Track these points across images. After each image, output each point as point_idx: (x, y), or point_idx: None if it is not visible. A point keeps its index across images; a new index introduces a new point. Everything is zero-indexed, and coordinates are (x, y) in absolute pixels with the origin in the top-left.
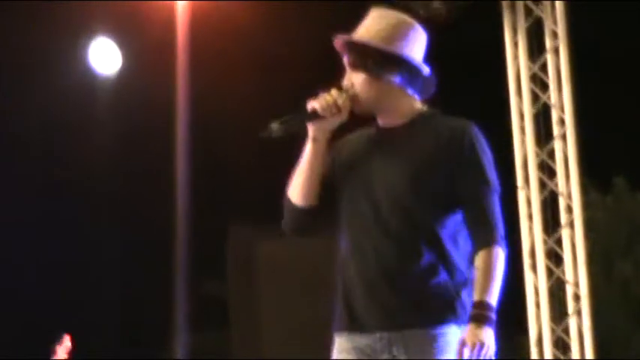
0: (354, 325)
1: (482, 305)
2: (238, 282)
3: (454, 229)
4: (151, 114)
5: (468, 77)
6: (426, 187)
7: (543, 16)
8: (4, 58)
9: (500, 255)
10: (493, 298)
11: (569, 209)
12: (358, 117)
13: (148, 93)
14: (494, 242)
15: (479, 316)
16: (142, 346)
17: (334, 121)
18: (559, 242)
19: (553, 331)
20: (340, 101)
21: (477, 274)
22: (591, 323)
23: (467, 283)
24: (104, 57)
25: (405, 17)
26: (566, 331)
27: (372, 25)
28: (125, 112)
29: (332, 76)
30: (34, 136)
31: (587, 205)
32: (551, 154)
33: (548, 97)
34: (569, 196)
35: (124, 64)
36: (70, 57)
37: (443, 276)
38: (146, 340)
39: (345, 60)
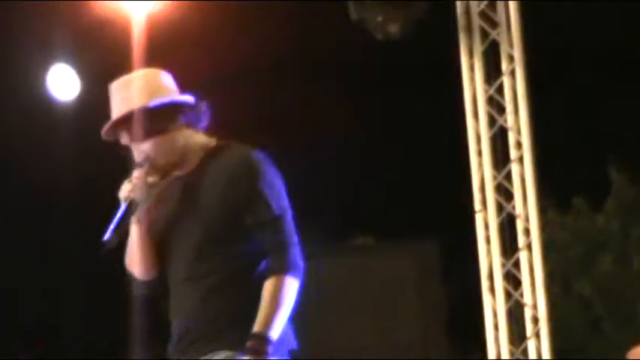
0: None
1: (259, 337)
2: None
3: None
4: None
5: (422, 99)
6: (221, 234)
7: (499, 39)
8: None
9: (289, 284)
10: (274, 331)
11: (527, 232)
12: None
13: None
14: (283, 271)
15: (254, 349)
16: None
17: (151, 198)
18: (517, 265)
19: (512, 353)
20: (149, 179)
21: (261, 302)
22: (550, 345)
23: None
24: (63, 83)
25: (141, 71)
26: (525, 353)
27: (122, 97)
28: (85, 137)
29: (297, 83)
30: None
31: (545, 226)
32: (509, 177)
33: (505, 120)
34: (527, 219)
35: (82, 89)
36: (27, 84)
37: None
38: None
39: (124, 140)
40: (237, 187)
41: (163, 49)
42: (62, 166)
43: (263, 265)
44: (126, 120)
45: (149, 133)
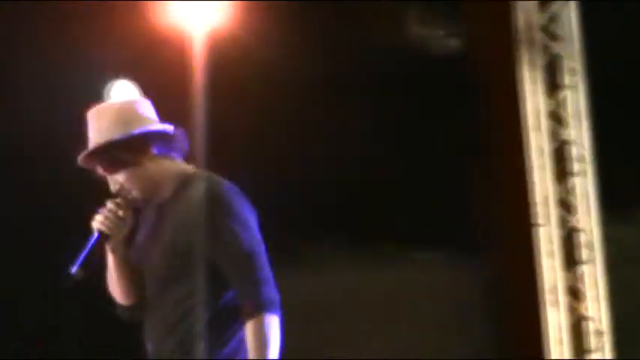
0: None
1: None
2: None
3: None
4: None
5: (484, 114)
6: (184, 270)
7: (562, 53)
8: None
9: (269, 322)
10: None
11: (590, 245)
12: None
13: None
14: (261, 310)
15: None
16: None
17: (123, 230)
18: (580, 278)
19: None
20: (121, 212)
21: (249, 349)
22: (613, 358)
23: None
24: (123, 98)
25: (118, 100)
26: None
27: (100, 126)
28: None
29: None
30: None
31: (608, 239)
32: (570, 190)
33: (567, 134)
34: (590, 232)
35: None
36: (88, 99)
37: None
38: None
39: (100, 171)
40: (206, 222)
41: (223, 67)
42: None
43: (229, 295)
44: (99, 151)
45: (122, 164)
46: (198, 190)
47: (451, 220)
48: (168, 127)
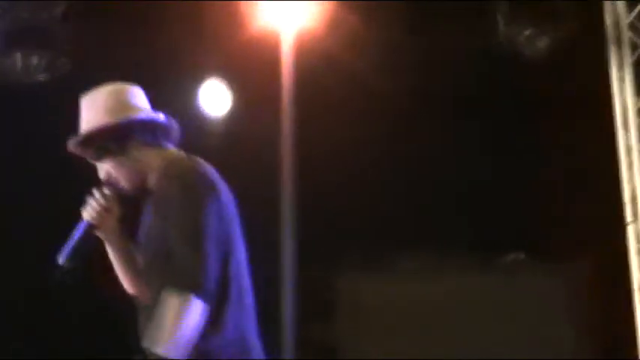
0: None
1: (153, 355)
2: (344, 325)
3: None
4: (256, 156)
5: (571, 113)
6: (159, 262)
7: None
8: None
9: (190, 304)
10: (172, 350)
11: None
12: None
13: (254, 135)
14: (186, 290)
15: None
16: None
17: (113, 219)
18: None
19: None
20: (105, 201)
21: (160, 323)
22: None
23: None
24: (214, 99)
25: (111, 85)
26: None
27: (89, 113)
28: (232, 154)
29: (438, 107)
30: None
31: None
32: None
33: None
34: None
35: (232, 105)
36: (180, 100)
37: None
38: None
39: (89, 157)
40: (164, 204)
41: (311, 67)
42: None
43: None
44: (86, 138)
45: (109, 153)
46: (171, 179)
47: (537, 223)
48: (158, 116)
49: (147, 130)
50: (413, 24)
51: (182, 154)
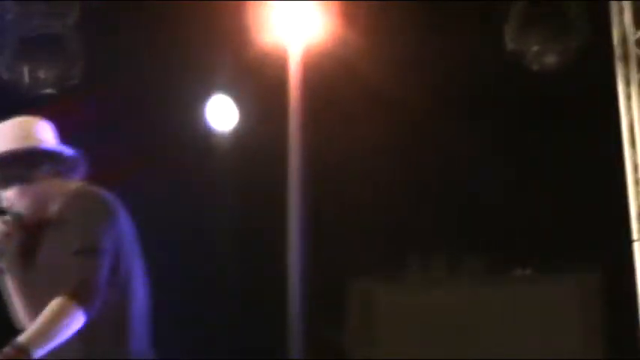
0: None
1: (21, 349)
2: (358, 332)
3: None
4: (264, 169)
5: (577, 129)
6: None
7: None
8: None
9: (71, 312)
10: (38, 349)
11: None
12: None
13: (261, 149)
14: (72, 297)
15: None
16: None
17: (11, 246)
18: None
19: None
20: (7, 228)
21: (40, 317)
22: None
23: None
24: (221, 113)
25: (19, 118)
26: None
27: None
28: (239, 169)
29: (450, 116)
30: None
31: None
32: None
33: None
34: None
35: (239, 120)
36: (187, 115)
37: None
38: None
39: None
40: (68, 234)
41: (318, 81)
42: (219, 194)
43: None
44: None
45: (15, 180)
46: (72, 203)
47: (552, 237)
48: (62, 148)
49: (52, 162)
50: (421, 37)
51: (85, 184)
